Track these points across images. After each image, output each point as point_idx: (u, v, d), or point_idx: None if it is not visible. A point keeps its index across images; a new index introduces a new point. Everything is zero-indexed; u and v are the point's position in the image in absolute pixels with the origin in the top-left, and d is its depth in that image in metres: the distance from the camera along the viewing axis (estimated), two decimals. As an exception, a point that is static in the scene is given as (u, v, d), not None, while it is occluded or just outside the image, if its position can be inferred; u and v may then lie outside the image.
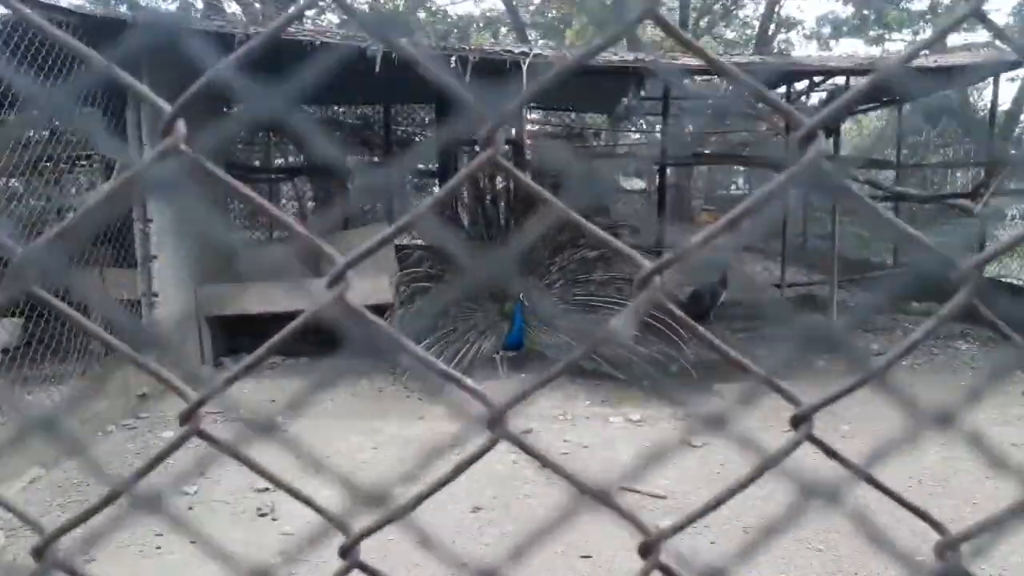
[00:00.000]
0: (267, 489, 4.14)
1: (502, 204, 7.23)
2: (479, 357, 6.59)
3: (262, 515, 3.83)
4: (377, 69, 5.29)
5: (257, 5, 16.89)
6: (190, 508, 3.91)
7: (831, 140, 10.33)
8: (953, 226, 11.20)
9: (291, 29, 5.57)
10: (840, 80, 9.54)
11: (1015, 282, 9.25)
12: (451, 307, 6.74)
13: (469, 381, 0.65)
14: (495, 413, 0.66)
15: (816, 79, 9.05)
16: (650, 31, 25.73)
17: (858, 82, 9.04)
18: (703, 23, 24.28)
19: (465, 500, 3.99)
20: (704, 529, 3.66)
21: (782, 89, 10.01)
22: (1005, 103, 14.70)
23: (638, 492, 4.10)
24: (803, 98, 11.36)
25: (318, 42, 5.42)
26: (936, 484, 4.27)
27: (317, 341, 6.75)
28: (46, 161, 6.48)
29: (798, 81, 9.49)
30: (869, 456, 0.69)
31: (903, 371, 6.82)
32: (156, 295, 6.23)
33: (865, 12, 22.16)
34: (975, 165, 12.01)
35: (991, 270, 9.43)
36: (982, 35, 20.29)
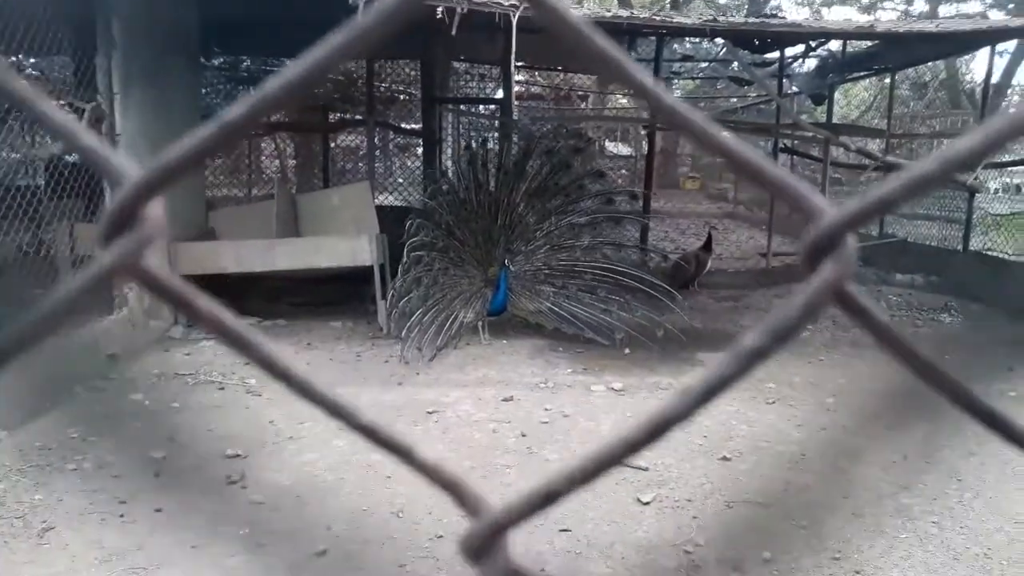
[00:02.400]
0: (237, 455, 4.02)
1: (492, 168, 7.04)
2: (464, 324, 6.45)
3: (231, 482, 3.69)
4: (359, 17, 5.04)
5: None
6: (156, 475, 3.77)
7: (824, 106, 10.18)
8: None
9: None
10: (834, 46, 9.37)
11: (1000, 255, 9.20)
12: (440, 275, 6.59)
13: (450, 473, 0.40)
14: (482, 537, 0.40)
15: (812, 43, 8.85)
16: (640, -7, 25.31)
17: (857, 46, 8.87)
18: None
19: (442, 469, 3.88)
20: (687, 504, 3.57)
21: (775, 54, 9.80)
22: (993, 76, 14.56)
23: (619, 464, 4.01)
24: (796, 63, 11.16)
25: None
26: (922, 459, 4.20)
27: (294, 303, 6.51)
28: (14, 109, 6.19)
29: (792, 46, 9.28)
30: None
31: (888, 343, 6.77)
32: (127, 252, 6.01)
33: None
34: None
35: (977, 243, 9.38)
36: (974, 6, 20.16)
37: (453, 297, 6.54)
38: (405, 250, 6.37)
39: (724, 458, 4.11)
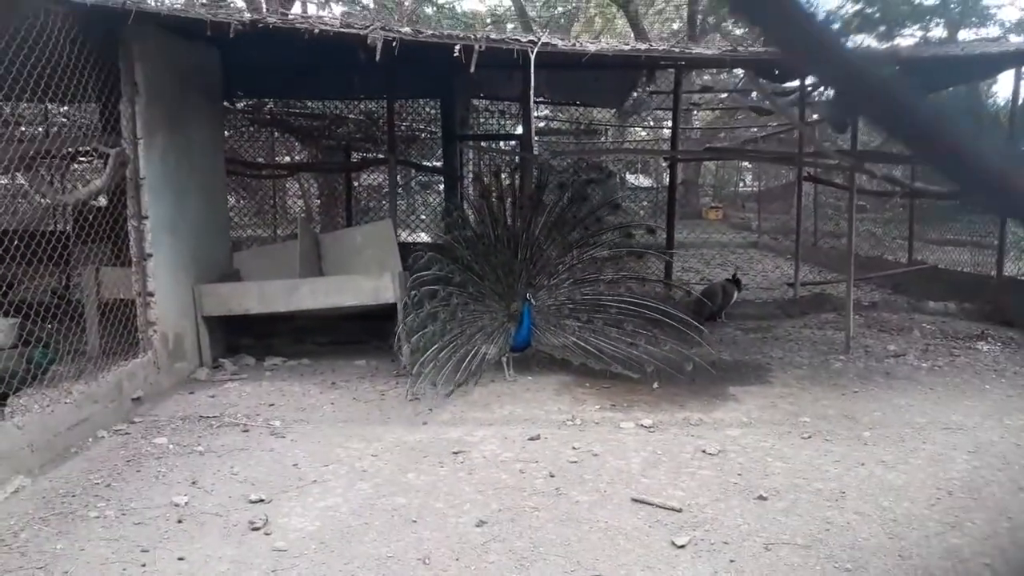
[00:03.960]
0: (261, 500, 3.94)
1: (509, 202, 6.99)
2: (486, 360, 6.36)
3: (255, 529, 3.61)
4: (378, 58, 5.06)
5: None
6: (179, 521, 3.70)
7: (848, 133, 10.08)
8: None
9: (289, 16, 5.37)
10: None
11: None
12: (459, 310, 6.52)
13: None
14: None
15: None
16: (658, 27, 25.52)
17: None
18: (711, 19, 24.01)
19: (469, 512, 3.78)
20: (724, 546, 3.43)
21: (795, 83, 9.74)
22: (1019, 97, 14.37)
23: (652, 504, 3.88)
24: (816, 92, 11.08)
25: (316, 30, 5.20)
26: (967, 496, 4.03)
27: (319, 342, 6.48)
28: (43, 157, 6.28)
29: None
30: None
31: (924, 372, 6.58)
32: (152, 295, 6.03)
33: (871, 8, 21.85)
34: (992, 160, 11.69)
35: (1011, 269, 9.16)
36: (993, 31, 20.04)
37: (473, 332, 6.46)
38: (409, 284, 6.32)
39: (760, 497, 3.97)
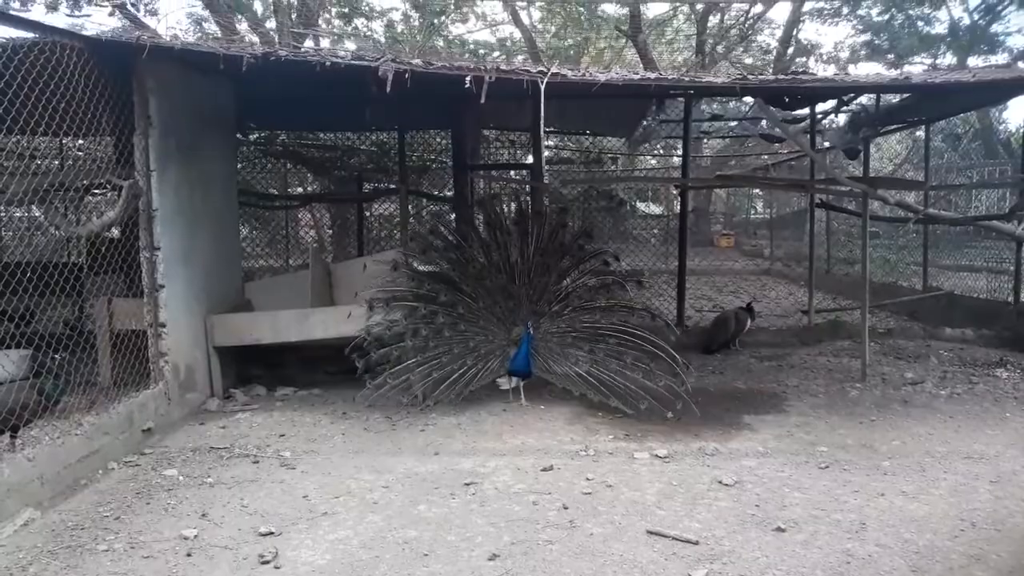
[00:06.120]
0: (271, 533, 3.89)
1: (496, 230, 7.02)
2: (478, 381, 6.46)
3: (264, 562, 3.56)
4: (388, 89, 5.09)
5: (269, 24, 17.02)
6: (188, 555, 3.65)
7: (859, 159, 10.07)
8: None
9: (301, 49, 5.42)
10: (865, 99, 9.30)
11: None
12: (445, 329, 6.53)
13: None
14: None
15: (844, 97, 8.78)
16: (667, 57, 25.71)
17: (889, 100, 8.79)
18: (720, 48, 24.14)
19: (482, 545, 3.71)
20: (742, 580, 3.35)
21: (805, 110, 9.74)
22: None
23: (668, 537, 3.80)
24: (826, 120, 11.09)
25: (328, 63, 5.24)
26: (991, 528, 3.93)
27: (330, 371, 6.43)
28: (57, 189, 6.33)
29: (825, 100, 9.21)
30: None
31: (943, 400, 6.48)
32: (163, 325, 6.03)
33: (881, 37, 21.93)
34: (1006, 186, 11.67)
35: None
36: (1001, 58, 20.09)
37: (461, 352, 6.49)
38: (381, 296, 6.54)
39: (779, 529, 3.88)
